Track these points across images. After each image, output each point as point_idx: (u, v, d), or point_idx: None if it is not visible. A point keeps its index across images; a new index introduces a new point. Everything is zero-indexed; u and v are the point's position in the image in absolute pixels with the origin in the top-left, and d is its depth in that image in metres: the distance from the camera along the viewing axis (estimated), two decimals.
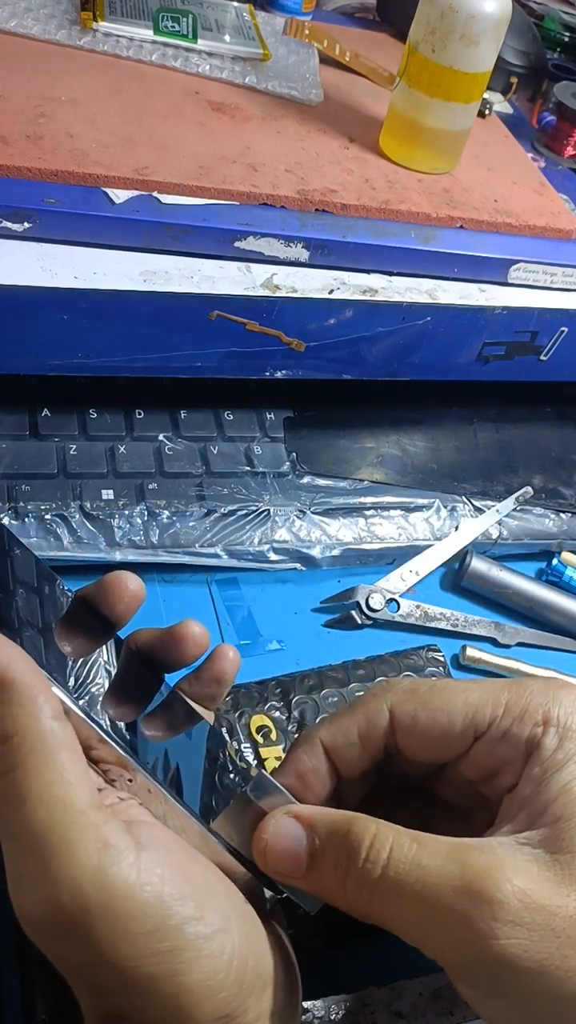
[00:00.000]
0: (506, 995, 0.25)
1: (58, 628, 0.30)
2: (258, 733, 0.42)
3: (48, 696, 0.25)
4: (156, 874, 0.24)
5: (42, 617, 0.29)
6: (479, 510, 0.57)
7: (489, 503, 0.57)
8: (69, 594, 0.31)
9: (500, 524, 0.57)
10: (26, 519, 0.46)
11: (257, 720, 0.43)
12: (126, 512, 0.49)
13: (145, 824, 0.26)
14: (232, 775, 0.30)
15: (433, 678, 0.30)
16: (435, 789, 0.33)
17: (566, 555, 0.57)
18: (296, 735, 0.43)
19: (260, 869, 0.28)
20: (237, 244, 0.45)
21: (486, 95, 0.61)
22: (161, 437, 0.52)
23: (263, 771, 0.30)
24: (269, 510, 0.52)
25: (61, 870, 0.23)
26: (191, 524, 0.50)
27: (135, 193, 0.44)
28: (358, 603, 0.51)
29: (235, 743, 0.41)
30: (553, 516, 0.58)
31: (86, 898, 0.23)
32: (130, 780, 0.28)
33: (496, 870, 0.24)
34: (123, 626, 0.32)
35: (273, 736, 0.42)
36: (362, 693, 0.31)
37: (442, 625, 0.52)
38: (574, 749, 0.28)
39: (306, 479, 0.54)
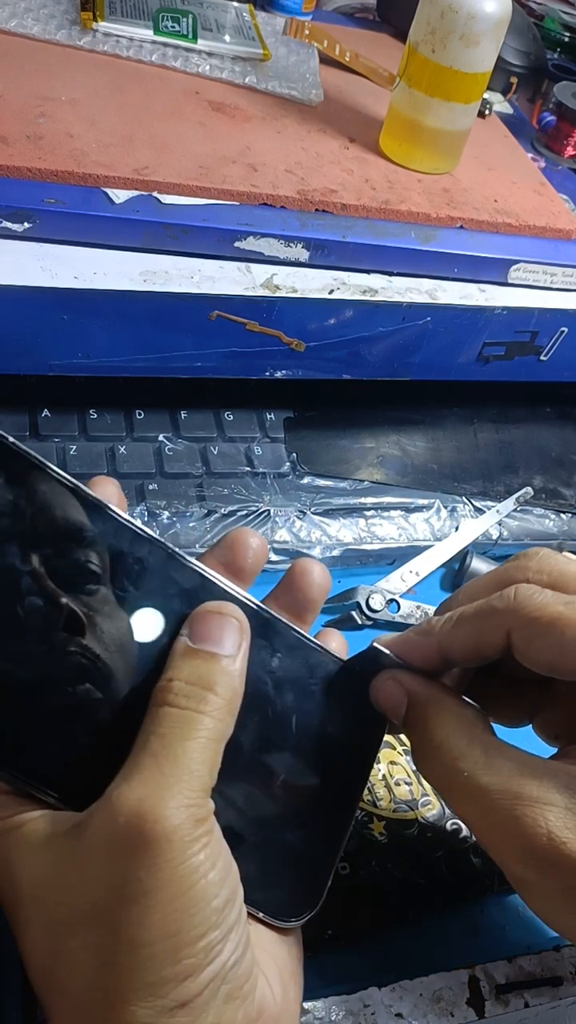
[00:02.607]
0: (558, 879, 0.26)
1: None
2: None
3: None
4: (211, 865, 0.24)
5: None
6: (479, 510, 0.57)
7: (489, 503, 0.57)
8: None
9: (500, 524, 0.57)
10: None
11: None
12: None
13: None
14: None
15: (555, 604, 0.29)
16: None
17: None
18: None
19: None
20: (237, 244, 0.45)
21: (486, 95, 0.61)
22: (161, 437, 0.52)
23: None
24: (269, 510, 0.52)
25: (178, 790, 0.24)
26: (191, 525, 0.50)
27: (135, 193, 0.44)
28: (358, 604, 0.51)
29: None
30: (553, 516, 0.58)
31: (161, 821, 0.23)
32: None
33: (538, 806, 0.26)
34: (250, 583, 0.32)
35: None
36: (493, 596, 0.30)
37: None
38: None
39: (306, 479, 0.54)
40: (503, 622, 0.29)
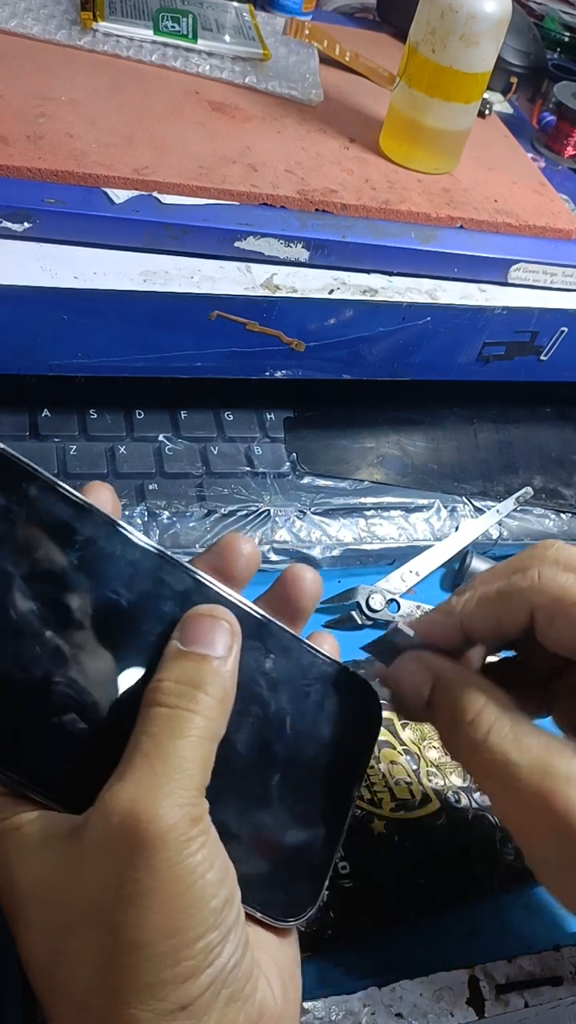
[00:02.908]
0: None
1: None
2: None
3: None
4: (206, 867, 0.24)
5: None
6: (479, 510, 0.57)
7: (489, 503, 0.57)
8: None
9: (500, 524, 0.57)
10: None
11: None
12: (126, 513, 0.49)
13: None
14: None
15: None
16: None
17: None
18: None
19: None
20: (237, 244, 0.45)
21: (486, 95, 0.61)
22: (161, 437, 0.52)
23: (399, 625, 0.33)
24: (269, 510, 0.52)
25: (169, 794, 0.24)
26: (191, 525, 0.50)
27: (135, 193, 0.44)
28: (358, 603, 0.51)
29: None
30: (553, 516, 0.58)
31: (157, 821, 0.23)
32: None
33: (571, 782, 0.26)
34: (242, 589, 0.32)
35: None
36: (515, 576, 0.31)
37: None
38: None
39: (306, 479, 0.54)
40: (527, 601, 0.29)
